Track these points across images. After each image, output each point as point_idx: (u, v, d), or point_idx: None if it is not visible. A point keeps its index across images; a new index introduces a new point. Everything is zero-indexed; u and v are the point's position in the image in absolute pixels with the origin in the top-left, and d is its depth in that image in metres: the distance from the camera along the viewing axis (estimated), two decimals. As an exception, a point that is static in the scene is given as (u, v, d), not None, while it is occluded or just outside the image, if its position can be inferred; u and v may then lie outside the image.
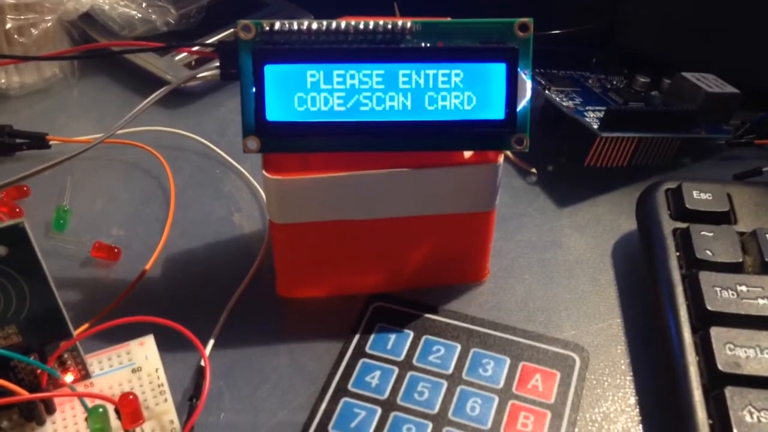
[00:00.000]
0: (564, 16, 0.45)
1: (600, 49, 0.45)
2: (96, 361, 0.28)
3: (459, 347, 0.29)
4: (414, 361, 0.29)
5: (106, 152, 0.39)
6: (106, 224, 0.35)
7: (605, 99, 0.39)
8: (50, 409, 0.26)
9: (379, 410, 0.27)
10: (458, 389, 0.28)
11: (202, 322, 0.29)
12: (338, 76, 0.26)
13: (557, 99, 0.38)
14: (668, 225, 0.31)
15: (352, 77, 0.26)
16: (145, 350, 0.28)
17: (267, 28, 0.26)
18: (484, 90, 0.26)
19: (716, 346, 0.26)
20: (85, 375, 0.27)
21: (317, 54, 0.26)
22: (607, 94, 0.40)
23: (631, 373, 0.29)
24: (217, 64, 0.28)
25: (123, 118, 0.30)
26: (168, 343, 0.28)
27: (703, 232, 0.30)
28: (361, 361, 0.29)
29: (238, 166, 0.38)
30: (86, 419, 0.25)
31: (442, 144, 0.28)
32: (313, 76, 0.26)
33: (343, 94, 0.26)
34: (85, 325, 0.29)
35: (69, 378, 0.27)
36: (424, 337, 0.29)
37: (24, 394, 0.24)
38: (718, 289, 0.27)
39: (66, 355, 0.26)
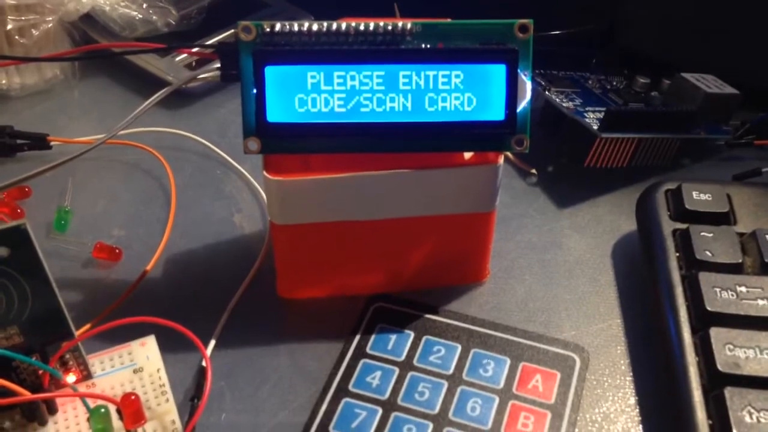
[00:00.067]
0: (564, 16, 0.46)
1: (600, 49, 0.45)
2: (98, 362, 0.28)
3: (459, 348, 0.29)
4: (414, 362, 0.29)
5: (106, 153, 0.39)
6: (107, 225, 0.35)
7: (605, 100, 0.40)
8: (52, 409, 0.26)
9: (380, 410, 0.27)
10: (459, 389, 0.28)
11: (203, 322, 0.29)
12: (338, 77, 0.26)
13: (557, 100, 0.38)
14: (668, 226, 0.31)
15: (353, 78, 0.26)
16: (147, 350, 0.28)
17: (267, 30, 0.26)
18: (484, 91, 0.26)
19: (716, 346, 0.26)
20: (86, 375, 0.27)
21: (318, 55, 0.26)
22: (607, 94, 0.40)
23: (631, 374, 0.29)
24: (218, 64, 0.28)
25: (124, 118, 0.30)
26: (169, 344, 0.28)
27: (702, 233, 0.30)
28: (361, 361, 0.29)
29: (239, 167, 0.38)
30: (88, 419, 0.25)
31: (442, 145, 0.28)
32: (313, 77, 0.26)
33: (343, 95, 0.26)
34: (87, 326, 0.30)
35: (71, 378, 0.27)
36: (424, 338, 0.30)
37: (26, 395, 0.24)
38: (717, 289, 0.28)
39: (68, 356, 0.26)
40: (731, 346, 0.26)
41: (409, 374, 0.28)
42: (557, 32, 0.45)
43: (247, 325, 0.30)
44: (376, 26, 0.26)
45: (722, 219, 0.31)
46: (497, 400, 0.27)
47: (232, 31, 0.29)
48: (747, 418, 0.24)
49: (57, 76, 0.44)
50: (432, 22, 0.27)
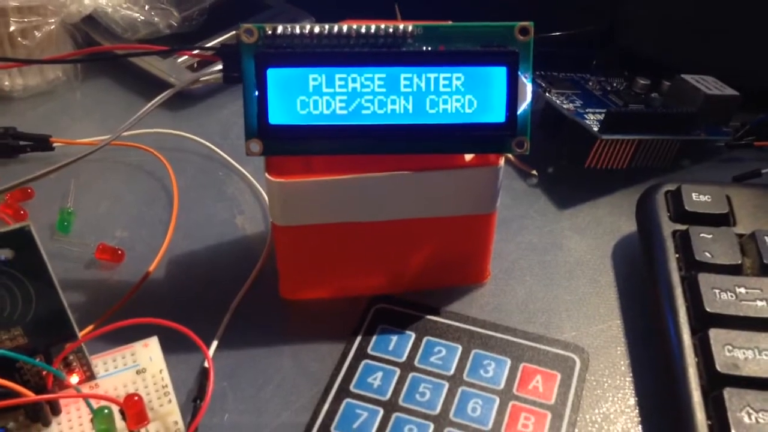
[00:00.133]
0: (564, 17, 0.46)
1: (600, 50, 0.45)
2: (101, 363, 0.28)
3: (460, 348, 0.29)
4: (416, 363, 0.29)
5: (109, 154, 0.39)
6: (110, 226, 0.35)
7: (605, 101, 0.40)
8: (56, 410, 0.26)
9: (381, 411, 0.27)
10: (459, 390, 0.28)
11: (205, 323, 0.30)
12: (340, 79, 0.26)
13: (557, 101, 0.38)
14: (668, 227, 0.31)
15: (354, 80, 0.26)
16: (150, 351, 0.28)
17: (269, 32, 0.26)
18: (484, 93, 0.27)
19: (715, 347, 0.26)
20: (90, 376, 0.27)
21: (319, 57, 0.26)
22: (607, 96, 0.40)
23: (631, 374, 0.29)
24: (220, 66, 0.28)
25: (126, 120, 0.30)
26: (172, 345, 0.28)
27: (702, 234, 0.30)
28: (363, 362, 0.29)
29: (241, 169, 0.38)
30: (92, 420, 0.25)
31: (443, 147, 0.28)
32: (315, 79, 0.26)
33: (345, 97, 0.26)
34: (90, 327, 0.30)
35: (74, 379, 0.27)
36: (425, 339, 0.30)
37: (30, 396, 0.24)
38: (717, 290, 0.28)
39: (71, 357, 0.26)
40: (730, 347, 0.26)
41: (410, 375, 0.28)
42: (557, 33, 0.45)
43: (249, 326, 0.30)
44: (378, 29, 0.26)
45: (722, 220, 0.31)
46: (498, 400, 0.27)
47: (234, 32, 0.29)
48: (746, 419, 0.24)
49: (59, 78, 0.44)
50: (433, 24, 0.27)
